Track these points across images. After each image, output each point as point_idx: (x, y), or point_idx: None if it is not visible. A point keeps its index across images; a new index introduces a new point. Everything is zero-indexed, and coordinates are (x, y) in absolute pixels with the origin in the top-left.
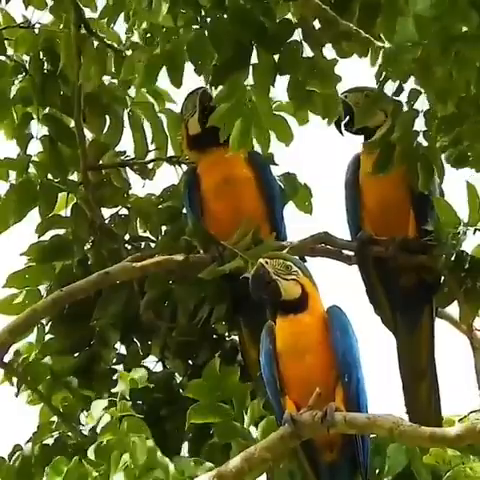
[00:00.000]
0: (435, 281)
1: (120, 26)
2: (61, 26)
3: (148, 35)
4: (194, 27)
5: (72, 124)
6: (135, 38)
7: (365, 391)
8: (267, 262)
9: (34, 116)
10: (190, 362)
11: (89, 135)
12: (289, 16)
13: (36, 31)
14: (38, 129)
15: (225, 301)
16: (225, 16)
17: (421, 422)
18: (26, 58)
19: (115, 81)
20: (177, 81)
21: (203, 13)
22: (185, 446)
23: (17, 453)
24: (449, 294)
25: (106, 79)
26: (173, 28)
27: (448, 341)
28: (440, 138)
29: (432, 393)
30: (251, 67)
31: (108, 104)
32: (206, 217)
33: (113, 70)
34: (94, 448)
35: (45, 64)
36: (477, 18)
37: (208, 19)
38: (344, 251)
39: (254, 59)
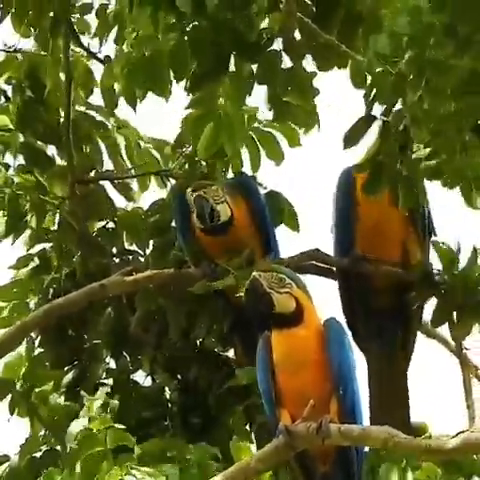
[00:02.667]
0: (410, 302)
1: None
2: (43, 53)
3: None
4: (174, 34)
5: (49, 151)
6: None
7: (360, 404)
8: (260, 275)
9: (11, 145)
10: (179, 377)
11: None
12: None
13: (19, 57)
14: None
15: (222, 318)
16: (206, 24)
17: None
18: (6, 86)
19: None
20: (163, 90)
21: (184, 21)
22: None
23: (5, 464)
24: (442, 314)
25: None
26: (152, 34)
27: (437, 359)
28: (417, 150)
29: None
30: (228, 76)
31: (87, 133)
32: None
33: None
34: (81, 462)
35: (27, 90)
36: (452, 46)
37: (189, 27)
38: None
39: (232, 68)
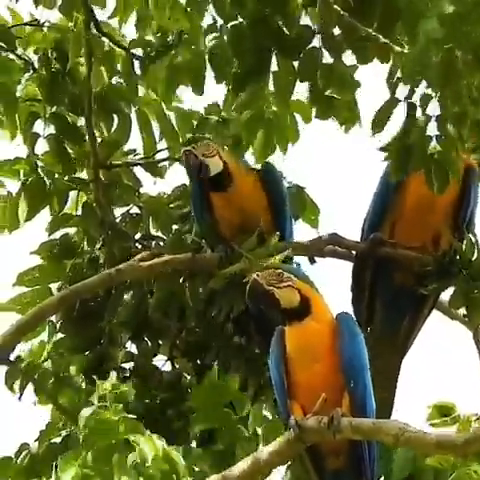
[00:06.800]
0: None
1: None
2: (70, 24)
3: (160, 35)
4: (214, 35)
5: (79, 123)
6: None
7: (372, 397)
8: (258, 275)
9: (40, 115)
10: (198, 362)
11: (97, 134)
12: (308, 23)
13: (45, 29)
14: (43, 128)
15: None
16: (244, 23)
17: None
18: (34, 57)
19: (121, 81)
20: (198, 89)
21: (222, 21)
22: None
23: (24, 452)
24: (460, 298)
25: (113, 79)
26: (195, 34)
27: (455, 341)
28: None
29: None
30: (271, 74)
31: (116, 103)
32: (216, 221)
33: (121, 69)
34: (93, 453)
35: (54, 62)
36: None
37: (228, 25)
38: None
39: (274, 67)
